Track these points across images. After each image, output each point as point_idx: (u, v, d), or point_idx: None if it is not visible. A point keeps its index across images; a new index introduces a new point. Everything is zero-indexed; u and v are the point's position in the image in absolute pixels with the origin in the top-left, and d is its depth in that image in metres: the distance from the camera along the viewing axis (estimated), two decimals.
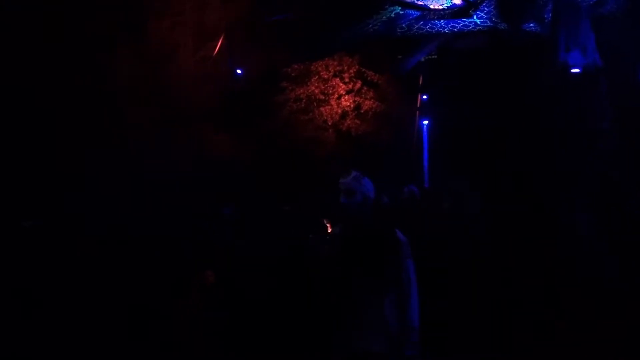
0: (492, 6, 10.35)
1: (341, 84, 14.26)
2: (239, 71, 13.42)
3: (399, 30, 11.09)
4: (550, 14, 9.64)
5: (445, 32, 11.03)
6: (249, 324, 5.61)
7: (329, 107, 14.26)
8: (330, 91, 14.26)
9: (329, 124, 14.32)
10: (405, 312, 3.42)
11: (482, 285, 5.95)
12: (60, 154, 9.49)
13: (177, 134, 10.97)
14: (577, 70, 8.76)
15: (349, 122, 14.35)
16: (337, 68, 14.24)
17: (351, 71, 14.29)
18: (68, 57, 10.02)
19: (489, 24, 10.54)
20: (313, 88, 14.20)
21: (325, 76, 14.23)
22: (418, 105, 15.65)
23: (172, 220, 7.53)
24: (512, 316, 5.88)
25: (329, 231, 6.83)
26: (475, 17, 10.56)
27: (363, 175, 3.60)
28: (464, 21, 10.76)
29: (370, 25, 10.98)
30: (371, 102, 14.35)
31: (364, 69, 14.34)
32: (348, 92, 14.33)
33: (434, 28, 10.98)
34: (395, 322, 3.41)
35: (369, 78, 14.41)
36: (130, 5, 10.95)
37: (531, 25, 10.40)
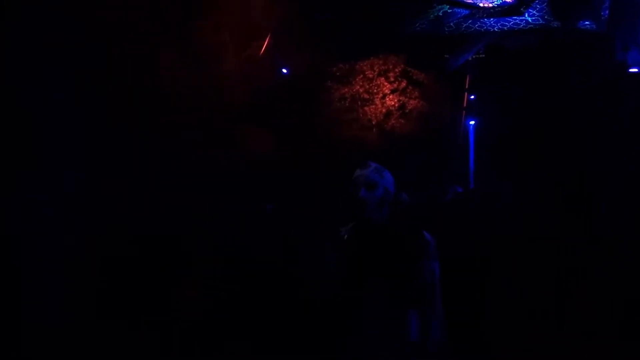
0: (545, 3, 10.11)
1: (386, 83, 14.10)
2: (284, 70, 13.40)
3: (446, 29, 11.01)
4: (607, 12, 9.35)
5: (494, 30, 10.86)
6: (248, 327, 5.48)
7: (374, 106, 14.13)
8: (375, 90, 14.12)
9: (373, 123, 14.19)
10: (429, 322, 2.99)
11: (488, 286, 5.75)
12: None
13: (216, 133, 10.91)
14: (635, 70, 8.48)
15: (393, 121, 14.19)
16: (382, 67, 14.07)
17: (396, 70, 14.11)
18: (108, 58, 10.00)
19: (541, 22, 10.34)
20: (358, 87, 14.08)
21: (370, 75, 14.09)
22: (465, 104, 15.39)
23: (176, 220, 7.47)
24: (521, 317, 5.67)
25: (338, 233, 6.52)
26: (526, 15, 10.35)
27: (383, 168, 3.18)
28: (515, 19, 10.58)
29: (418, 24, 10.88)
30: (416, 101, 14.17)
31: (409, 68, 14.12)
32: (393, 92, 14.14)
33: (483, 26, 10.85)
34: (416, 335, 2.98)
35: (414, 77, 14.18)
36: (173, 6, 10.93)
37: (586, 23, 10.10)
